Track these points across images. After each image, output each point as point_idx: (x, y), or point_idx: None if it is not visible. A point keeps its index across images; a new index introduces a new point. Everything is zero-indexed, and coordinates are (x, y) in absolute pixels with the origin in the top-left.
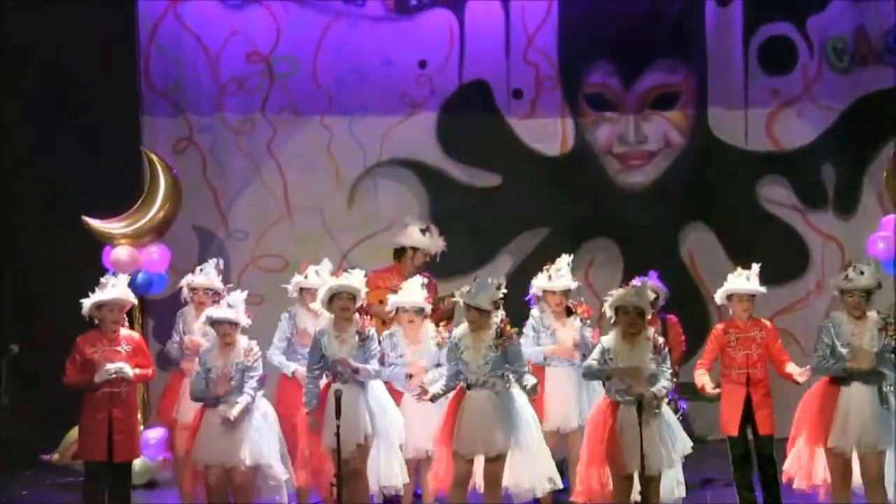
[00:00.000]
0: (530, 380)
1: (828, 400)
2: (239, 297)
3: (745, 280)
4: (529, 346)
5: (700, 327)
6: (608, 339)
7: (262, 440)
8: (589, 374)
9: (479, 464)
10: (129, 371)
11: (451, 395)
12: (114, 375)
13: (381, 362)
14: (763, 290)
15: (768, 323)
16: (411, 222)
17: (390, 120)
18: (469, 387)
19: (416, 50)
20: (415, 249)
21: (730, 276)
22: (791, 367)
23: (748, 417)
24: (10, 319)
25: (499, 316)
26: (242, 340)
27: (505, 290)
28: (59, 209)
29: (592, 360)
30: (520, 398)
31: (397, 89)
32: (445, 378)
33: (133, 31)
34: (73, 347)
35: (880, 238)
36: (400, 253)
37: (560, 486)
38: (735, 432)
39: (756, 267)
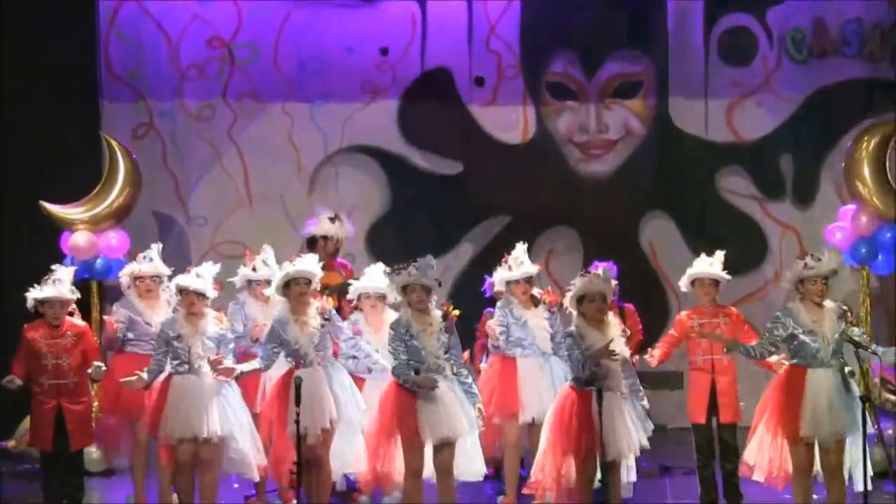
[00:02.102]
0: (475, 389)
1: (794, 388)
2: (210, 268)
3: (708, 265)
4: (502, 342)
5: (660, 316)
6: (575, 330)
7: (229, 412)
8: (581, 368)
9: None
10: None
11: (387, 386)
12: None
13: (359, 333)
14: (726, 276)
15: (734, 309)
16: (321, 212)
17: (352, 107)
18: (417, 373)
19: (378, 37)
20: (325, 238)
21: (694, 262)
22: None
23: (713, 405)
24: None
25: (434, 299)
26: (210, 312)
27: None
28: (18, 194)
29: (576, 351)
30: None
31: (359, 76)
32: (400, 366)
33: (93, 17)
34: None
35: (838, 228)
36: (312, 243)
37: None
38: (702, 419)
39: (720, 253)
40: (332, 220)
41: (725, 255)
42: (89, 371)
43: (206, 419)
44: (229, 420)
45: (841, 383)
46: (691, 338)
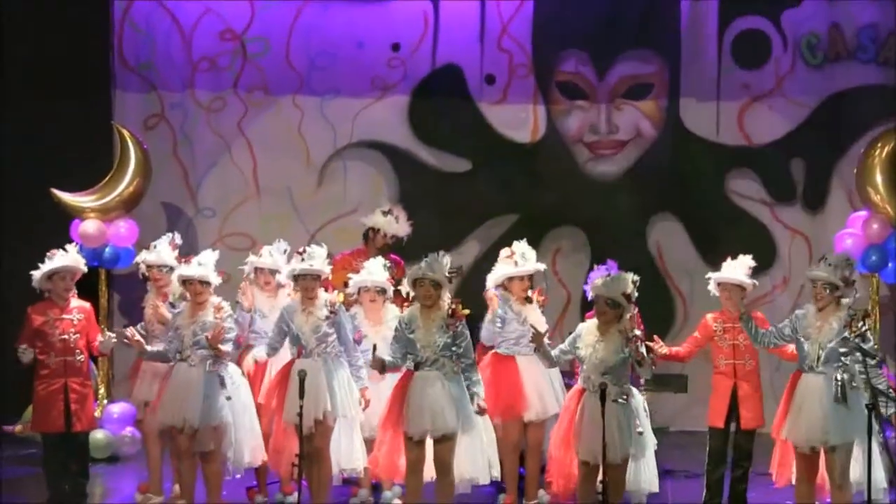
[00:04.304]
0: (479, 388)
1: (790, 391)
2: (210, 256)
3: (731, 270)
4: (489, 330)
5: (665, 318)
6: (583, 326)
7: (216, 404)
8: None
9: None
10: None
11: (398, 378)
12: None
13: (358, 341)
14: (749, 281)
15: (759, 313)
16: (382, 204)
17: (361, 102)
18: (417, 367)
19: (390, 33)
20: (375, 231)
21: (723, 266)
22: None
23: (734, 410)
24: None
25: (448, 296)
26: (213, 299)
27: (452, 268)
28: (29, 181)
29: (559, 347)
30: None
31: (369, 72)
32: (391, 354)
33: (107, 7)
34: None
35: (848, 235)
36: (367, 234)
37: (498, 475)
38: (720, 424)
39: (744, 258)
40: (384, 213)
41: (733, 259)
42: (100, 340)
43: (186, 409)
44: (215, 412)
45: (832, 391)
46: (715, 342)
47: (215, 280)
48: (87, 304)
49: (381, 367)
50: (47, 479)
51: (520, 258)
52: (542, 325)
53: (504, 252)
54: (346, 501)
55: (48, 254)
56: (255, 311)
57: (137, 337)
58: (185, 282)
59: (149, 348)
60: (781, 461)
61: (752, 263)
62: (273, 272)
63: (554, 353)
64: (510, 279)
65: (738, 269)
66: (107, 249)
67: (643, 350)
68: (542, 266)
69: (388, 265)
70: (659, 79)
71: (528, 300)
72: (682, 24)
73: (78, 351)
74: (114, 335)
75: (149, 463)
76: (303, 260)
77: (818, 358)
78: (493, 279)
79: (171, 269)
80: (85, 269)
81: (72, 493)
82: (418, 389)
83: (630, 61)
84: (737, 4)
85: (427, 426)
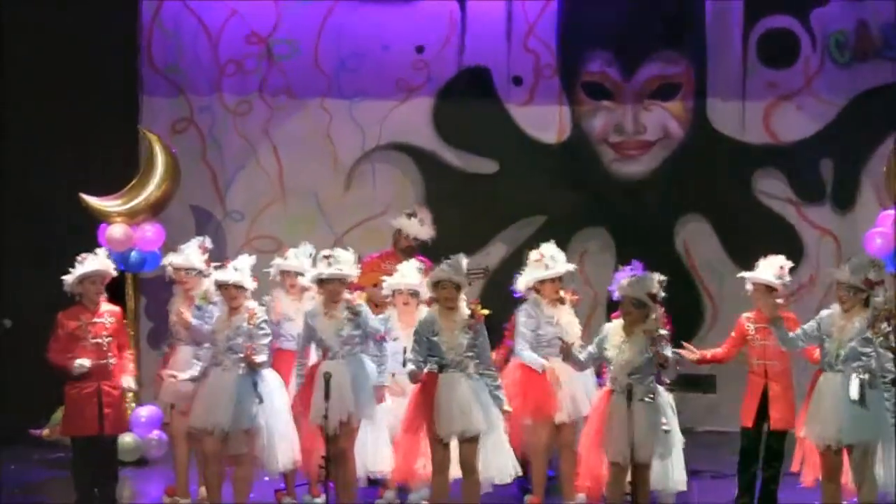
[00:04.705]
0: (501, 392)
1: (811, 391)
2: (246, 261)
3: (764, 270)
4: (527, 342)
5: (693, 318)
6: (609, 326)
7: (247, 408)
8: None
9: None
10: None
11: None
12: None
13: (383, 339)
14: (775, 281)
15: (791, 314)
16: (411, 207)
17: (388, 104)
18: (441, 369)
19: (415, 35)
20: (399, 232)
21: (758, 265)
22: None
23: (765, 410)
24: (2, 294)
25: (464, 297)
26: (248, 304)
27: (477, 269)
28: (57, 186)
29: (588, 347)
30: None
31: (395, 74)
32: (413, 361)
33: (136, 10)
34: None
35: (878, 234)
36: (394, 236)
37: (520, 472)
38: (749, 423)
39: (774, 259)
40: (409, 215)
41: (761, 258)
42: (124, 385)
43: (218, 413)
44: (247, 416)
45: (850, 390)
46: (749, 341)
47: (250, 285)
48: (116, 308)
49: (417, 378)
50: (75, 483)
51: (549, 260)
52: (576, 326)
53: (533, 255)
54: (373, 503)
55: (79, 258)
56: (282, 314)
57: (177, 377)
58: (221, 286)
59: (185, 376)
60: (807, 460)
61: (789, 263)
62: (298, 275)
63: (582, 356)
64: (541, 282)
65: (768, 269)
66: (132, 253)
67: (666, 352)
68: (571, 266)
69: (422, 267)
70: (685, 79)
71: (561, 301)
72: (708, 24)
73: (110, 354)
74: (133, 385)
75: (176, 466)
76: (329, 264)
77: (837, 356)
78: (524, 283)
79: (199, 271)
80: (115, 272)
81: (100, 497)
82: (446, 392)
83: (656, 61)
84: (763, 4)
85: (458, 427)
